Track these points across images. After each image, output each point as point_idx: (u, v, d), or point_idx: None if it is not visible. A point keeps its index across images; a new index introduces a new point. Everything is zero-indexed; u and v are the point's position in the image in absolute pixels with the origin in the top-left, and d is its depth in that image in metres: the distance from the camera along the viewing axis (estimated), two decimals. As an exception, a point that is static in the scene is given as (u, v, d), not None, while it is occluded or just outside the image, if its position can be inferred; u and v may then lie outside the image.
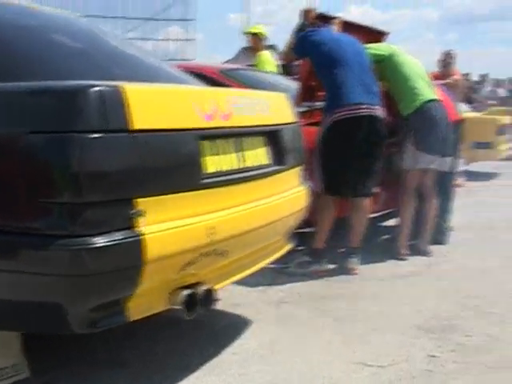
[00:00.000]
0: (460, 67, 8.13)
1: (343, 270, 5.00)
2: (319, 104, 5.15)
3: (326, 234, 5.01)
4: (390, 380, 3.05)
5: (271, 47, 9.48)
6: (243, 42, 14.16)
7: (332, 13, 5.62)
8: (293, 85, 5.68)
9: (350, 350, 3.41)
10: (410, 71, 5.45)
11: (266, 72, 7.00)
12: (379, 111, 4.91)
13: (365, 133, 4.79)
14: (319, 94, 5.24)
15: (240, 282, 3.62)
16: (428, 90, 5.50)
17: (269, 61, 7.79)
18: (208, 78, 5.06)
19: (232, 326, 3.77)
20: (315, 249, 5.04)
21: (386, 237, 6.21)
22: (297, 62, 5.93)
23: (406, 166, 5.44)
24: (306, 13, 5.29)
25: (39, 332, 2.77)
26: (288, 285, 4.64)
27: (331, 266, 5.07)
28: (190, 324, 3.15)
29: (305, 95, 5.35)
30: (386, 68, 5.43)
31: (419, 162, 5.40)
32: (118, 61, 3.47)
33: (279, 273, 4.80)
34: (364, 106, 4.79)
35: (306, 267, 4.98)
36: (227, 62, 18.10)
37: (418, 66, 5.60)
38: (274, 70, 7.61)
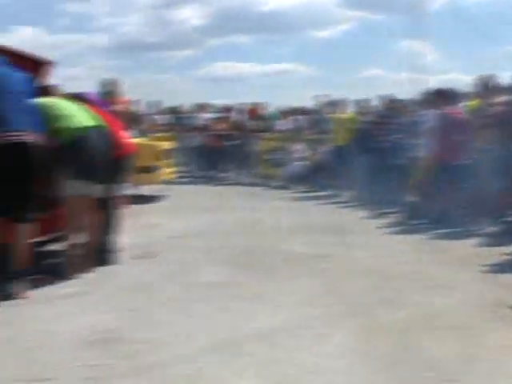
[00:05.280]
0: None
1: (12, 295, 5.09)
2: None
3: None
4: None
5: None
6: None
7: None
8: None
9: (19, 368, 3.70)
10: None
11: None
12: (37, 138, 5.20)
13: (22, 158, 5.07)
14: None
15: None
16: (86, 119, 5.83)
17: None
18: None
19: None
20: None
21: (53, 260, 6.28)
22: None
23: (66, 192, 5.67)
24: None
25: None
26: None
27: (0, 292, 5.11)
28: None
29: None
30: None
31: (78, 188, 5.65)
32: None
33: None
34: (21, 133, 5.08)
35: None
36: None
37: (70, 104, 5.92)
38: None
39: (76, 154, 5.67)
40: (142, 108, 16.39)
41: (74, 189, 5.68)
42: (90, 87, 8.89)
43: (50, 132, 5.54)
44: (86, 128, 5.79)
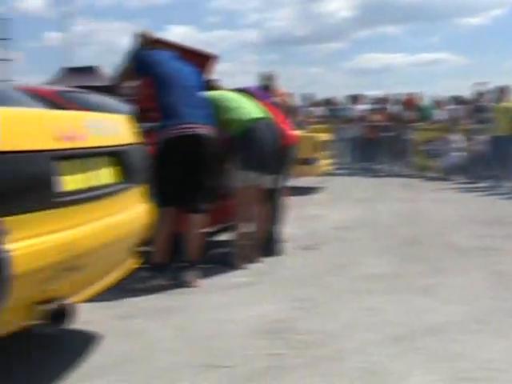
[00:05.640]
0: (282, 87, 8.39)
1: (184, 283, 5.29)
2: (158, 124, 5.31)
3: (164, 248, 5.33)
4: (234, 378, 3.41)
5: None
6: (63, 62, 12.40)
7: (153, 32, 5.86)
8: (124, 106, 5.81)
9: (195, 354, 3.76)
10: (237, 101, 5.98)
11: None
12: (209, 130, 5.34)
13: (195, 150, 5.24)
14: (156, 114, 5.37)
15: (86, 300, 3.50)
16: (254, 111, 5.97)
17: None
18: (47, 100, 4.78)
19: (80, 343, 3.96)
20: (156, 263, 5.33)
21: (223, 250, 6.47)
22: (132, 84, 6.08)
23: (236, 183, 5.81)
24: (144, 36, 5.70)
25: None
26: (133, 300, 4.90)
27: (173, 280, 5.35)
28: (37, 342, 3.84)
29: (144, 116, 5.41)
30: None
31: (248, 179, 5.76)
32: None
33: (123, 289, 4.80)
34: (194, 126, 5.22)
35: (148, 282, 5.29)
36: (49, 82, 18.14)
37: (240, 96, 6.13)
38: None
39: (246, 145, 5.82)
40: (296, 100, 16.55)
41: (244, 180, 5.82)
42: (244, 82, 9.20)
43: (221, 124, 5.71)
44: (255, 119, 5.92)
